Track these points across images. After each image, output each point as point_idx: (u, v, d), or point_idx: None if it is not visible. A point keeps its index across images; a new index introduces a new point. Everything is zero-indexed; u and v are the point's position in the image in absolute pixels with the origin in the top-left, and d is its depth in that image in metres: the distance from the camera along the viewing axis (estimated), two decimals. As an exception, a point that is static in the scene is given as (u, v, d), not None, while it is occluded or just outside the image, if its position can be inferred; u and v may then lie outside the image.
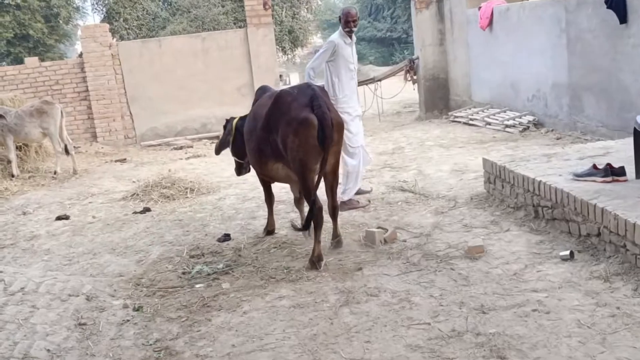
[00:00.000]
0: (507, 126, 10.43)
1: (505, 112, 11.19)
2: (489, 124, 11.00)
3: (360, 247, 5.29)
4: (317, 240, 4.93)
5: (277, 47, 18.02)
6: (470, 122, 11.62)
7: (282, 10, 20.89)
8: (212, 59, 13.00)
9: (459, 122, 12.02)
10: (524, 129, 10.16)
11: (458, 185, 6.91)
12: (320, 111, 4.77)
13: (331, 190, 5.29)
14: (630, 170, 4.83)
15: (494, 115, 11.19)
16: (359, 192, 6.73)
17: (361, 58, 36.87)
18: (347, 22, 6.52)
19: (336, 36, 6.61)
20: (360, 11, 41.36)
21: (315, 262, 4.86)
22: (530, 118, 10.39)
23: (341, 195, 6.37)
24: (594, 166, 4.90)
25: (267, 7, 13.05)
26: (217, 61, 12.99)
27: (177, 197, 7.68)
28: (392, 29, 35.03)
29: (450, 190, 6.75)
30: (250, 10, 13.01)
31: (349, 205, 6.45)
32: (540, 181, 5.10)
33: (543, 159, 5.82)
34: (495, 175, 5.93)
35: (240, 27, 16.21)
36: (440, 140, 10.25)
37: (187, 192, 7.79)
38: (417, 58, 13.66)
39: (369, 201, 6.59)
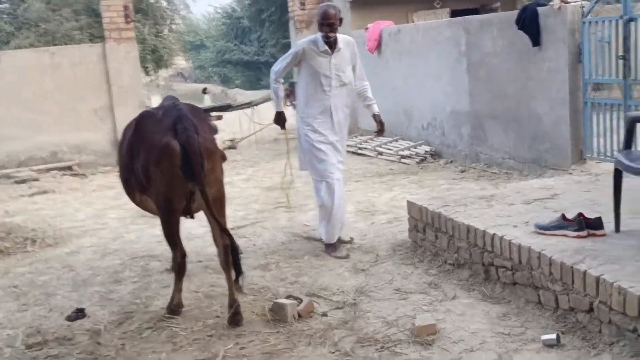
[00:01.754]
0: (402, 157, 9.57)
1: (397, 141, 10.36)
2: (381, 154, 10.10)
3: (266, 326, 3.97)
4: (177, 289, 4.35)
5: (140, 67, 16.27)
6: (359, 151, 10.67)
7: (145, 28, 19.05)
8: (64, 77, 11.07)
9: (347, 151, 11.01)
10: (421, 160, 9.33)
11: (371, 232, 5.78)
12: (184, 136, 3.95)
13: (218, 225, 4.07)
14: (606, 221, 3.91)
15: (385, 144, 10.31)
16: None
17: (227, 81, 35.63)
18: (321, 25, 5.07)
19: (306, 41, 5.21)
20: (226, 34, 39.88)
21: (174, 309, 4.30)
22: (427, 148, 9.60)
23: (322, 237, 5.28)
24: (563, 217, 3.93)
25: (128, 19, 11.38)
26: (71, 79, 11.07)
27: (13, 252, 5.88)
28: (259, 52, 34.25)
29: (364, 238, 5.60)
30: (109, 23, 11.26)
31: (330, 250, 5.20)
32: (495, 234, 4.06)
33: (482, 202, 4.81)
34: (426, 223, 4.85)
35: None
36: (332, 172, 9.14)
37: (27, 244, 6.03)
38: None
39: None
